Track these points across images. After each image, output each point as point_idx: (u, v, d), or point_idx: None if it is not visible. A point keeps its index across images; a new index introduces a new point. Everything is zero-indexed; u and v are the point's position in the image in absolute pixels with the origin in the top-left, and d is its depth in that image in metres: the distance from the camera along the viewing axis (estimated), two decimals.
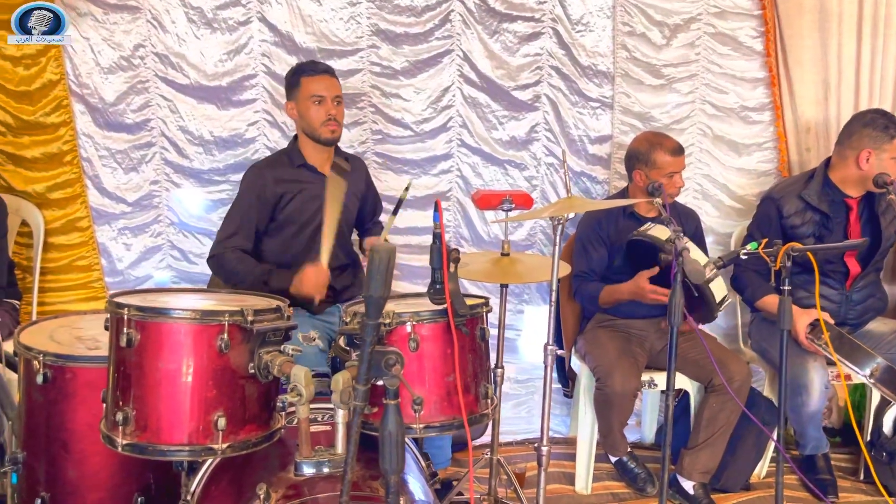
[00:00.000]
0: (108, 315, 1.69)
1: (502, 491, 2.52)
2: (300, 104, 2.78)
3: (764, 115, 3.53)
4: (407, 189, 2.82)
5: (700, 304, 2.64)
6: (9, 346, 2.24)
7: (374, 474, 1.73)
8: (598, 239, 3.11)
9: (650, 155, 2.99)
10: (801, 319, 2.89)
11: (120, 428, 1.61)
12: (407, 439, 2.11)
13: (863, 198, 3.09)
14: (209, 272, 2.94)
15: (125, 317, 1.62)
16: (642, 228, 2.77)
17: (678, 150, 2.99)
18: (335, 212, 2.54)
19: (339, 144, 2.96)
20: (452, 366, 1.79)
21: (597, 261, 3.10)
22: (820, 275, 2.71)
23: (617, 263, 3.06)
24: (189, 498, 1.85)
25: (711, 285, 2.54)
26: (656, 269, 2.79)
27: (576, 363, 3.25)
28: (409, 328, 1.79)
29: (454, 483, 2.56)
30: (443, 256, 1.75)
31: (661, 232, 2.65)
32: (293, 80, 2.81)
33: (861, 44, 3.47)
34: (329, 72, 2.83)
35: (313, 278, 2.58)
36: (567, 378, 3.45)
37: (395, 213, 2.83)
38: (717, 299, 2.59)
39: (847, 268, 3.08)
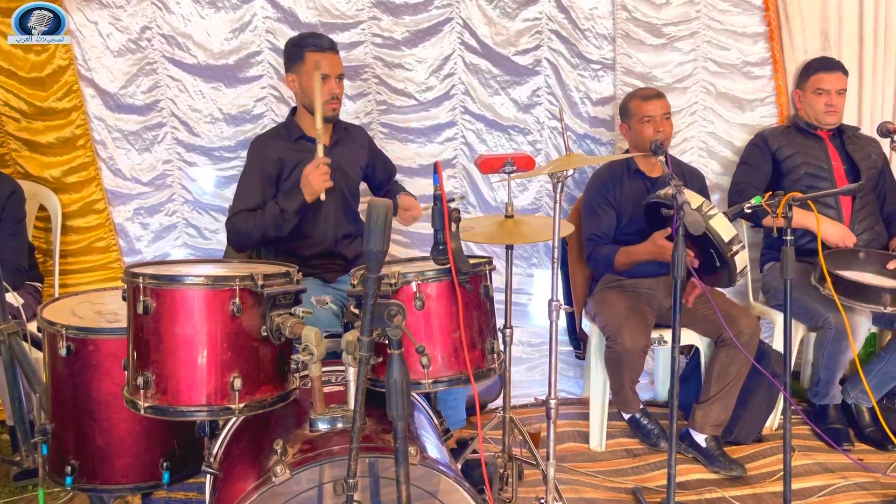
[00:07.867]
0: (125, 285, 1.75)
1: (517, 450, 2.57)
2: (303, 79, 2.77)
3: (765, 69, 3.52)
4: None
5: (721, 272, 2.68)
6: (32, 327, 2.31)
7: (385, 428, 1.80)
8: (605, 201, 3.13)
9: (627, 105, 3.12)
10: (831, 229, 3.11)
11: (141, 392, 1.69)
12: (420, 398, 2.18)
13: (834, 132, 3.33)
14: (224, 247, 2.99)
15: (140, 285, 1.69)
16: (658, 192, 2.80)
17: (651, 95, 3.07)
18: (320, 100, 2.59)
19: (344, 116, 2.99)
20: (458, 322, 1.84)
21: (607, 223, 3.13)
22: (819, 211, 3.02)
23: (625, 221, 3.11)
24: (212, 460, 1.93)
25: (736, 258, 2.56)
26: (669, 230, 2.82)
27: (586, 324, 3.29)
28: (414, 287, 1.83)
29: (469, 442, 2.62)
30: (443, 217, 1.79)
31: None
32: (295, 53, 2.78)
33: None
34: (334, 48, 2.81)
35: (313, 171, 2.62)
36: (579, 340, 3.49)
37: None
38: (739, 269, 2.63)
39: (839, 202, 3.24)
